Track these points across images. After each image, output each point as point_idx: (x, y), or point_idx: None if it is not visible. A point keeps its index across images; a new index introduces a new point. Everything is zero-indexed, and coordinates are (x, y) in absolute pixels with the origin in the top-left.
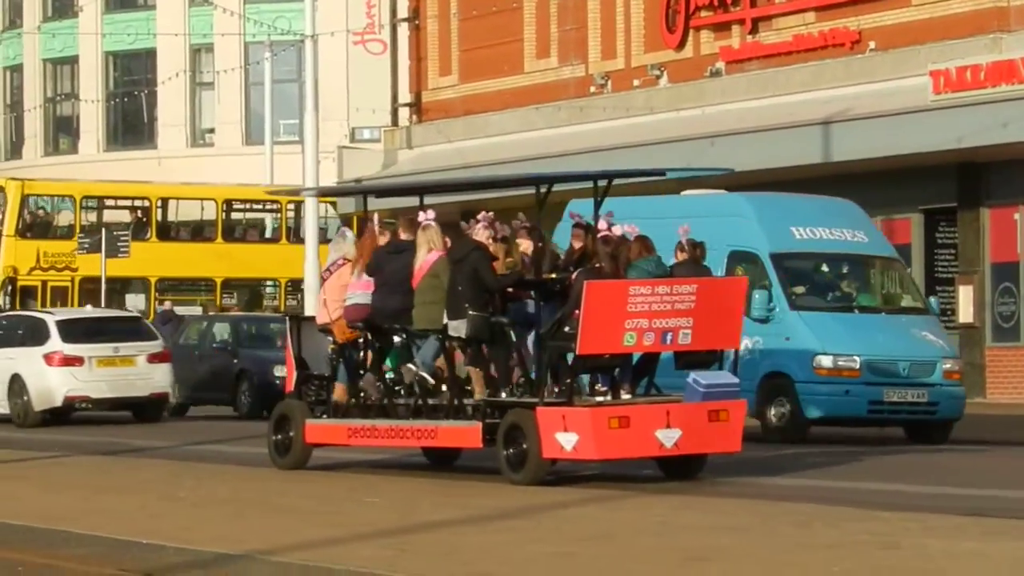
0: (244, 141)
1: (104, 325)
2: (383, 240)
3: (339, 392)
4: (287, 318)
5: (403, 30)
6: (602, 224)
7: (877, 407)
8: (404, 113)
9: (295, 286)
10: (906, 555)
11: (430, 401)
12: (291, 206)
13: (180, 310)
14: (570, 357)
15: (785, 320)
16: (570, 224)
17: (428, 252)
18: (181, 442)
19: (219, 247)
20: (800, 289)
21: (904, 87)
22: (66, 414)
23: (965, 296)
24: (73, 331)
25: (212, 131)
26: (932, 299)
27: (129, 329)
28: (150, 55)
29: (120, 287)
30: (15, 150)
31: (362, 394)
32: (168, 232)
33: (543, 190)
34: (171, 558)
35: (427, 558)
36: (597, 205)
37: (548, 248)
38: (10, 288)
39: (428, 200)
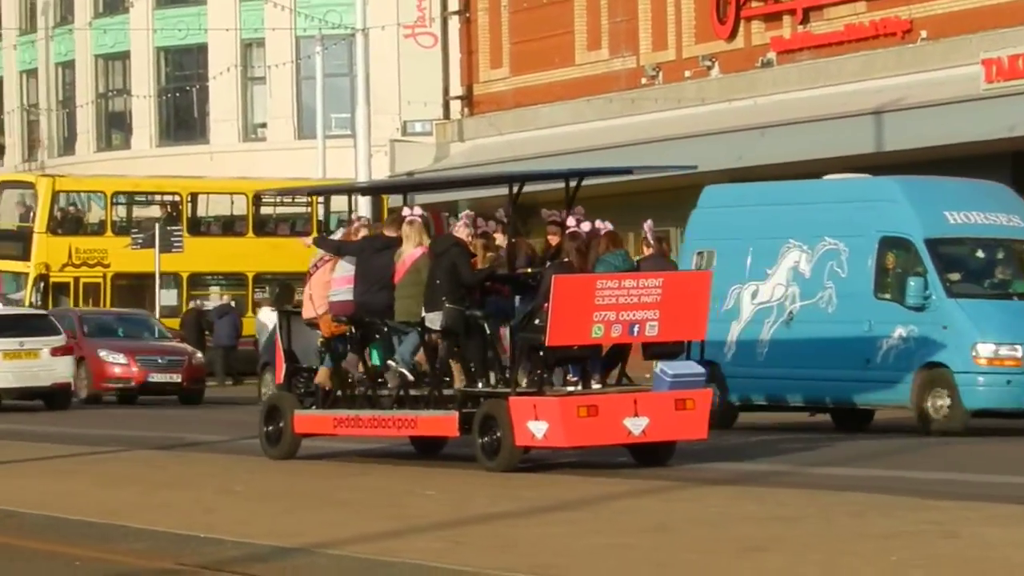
0: (296, 135)
1: (12, 322)
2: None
3: (322, 375)
4: (277, 312)
5: (454, 23)
6: (571, 221)
7: None
8: (456, 106)
9: None
10: (965, 544)
11: (412, 392)
12: (320, 199)
13: (209, 305)
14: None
15: (942, 308)
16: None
17: (414, 247)
18: (236, 436)
19: (250, 241)
20: (955, 276)
21: (956, 76)
22: None
23: None
24: None
25: (264, 126)
26: None
27: (35, 325)
28: (201, 50)
29: (151, 283)
30: (68, 146)
31: (347, 376)
32: (199, 227)
33: (515, 188)
34: (229, 552)
35: (485, 551)
36: (568, 202)
37: (523, 243)
38: (42, 285)
39: (424, 199)
